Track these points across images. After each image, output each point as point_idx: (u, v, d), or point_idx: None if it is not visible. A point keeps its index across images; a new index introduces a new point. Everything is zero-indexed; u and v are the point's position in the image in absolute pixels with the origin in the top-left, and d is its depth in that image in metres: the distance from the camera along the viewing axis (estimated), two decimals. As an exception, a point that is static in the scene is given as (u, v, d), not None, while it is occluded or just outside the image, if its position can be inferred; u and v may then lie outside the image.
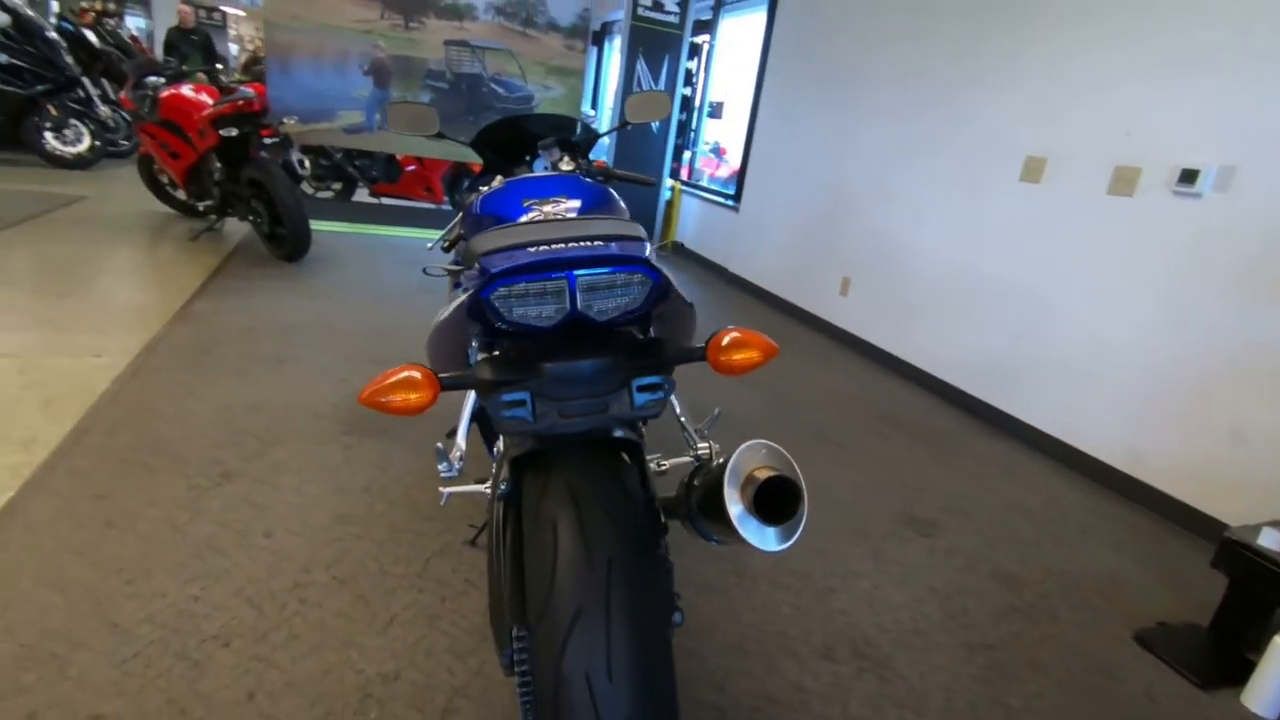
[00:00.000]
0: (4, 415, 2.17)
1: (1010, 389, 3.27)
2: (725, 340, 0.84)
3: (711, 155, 6.81)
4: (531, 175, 1.67)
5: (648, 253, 0.73)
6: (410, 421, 2.48)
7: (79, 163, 6.25)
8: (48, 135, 6.04)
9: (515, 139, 2.01)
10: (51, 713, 1.24)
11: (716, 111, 6.49)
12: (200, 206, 4.66)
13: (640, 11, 5.80)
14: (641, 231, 0.81)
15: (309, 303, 3.68)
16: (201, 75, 4.83)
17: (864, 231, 4.22)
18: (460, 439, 1.24)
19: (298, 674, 1.39)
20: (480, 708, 1.37)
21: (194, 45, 7.92)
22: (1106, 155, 2.85)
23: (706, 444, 1.23)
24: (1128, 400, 2.76)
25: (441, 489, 1.41)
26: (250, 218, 4.33)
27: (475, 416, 1.40)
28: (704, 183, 6.67)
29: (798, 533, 0.83)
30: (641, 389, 0.79)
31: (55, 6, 11.68)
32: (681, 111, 6.67)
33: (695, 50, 6.55)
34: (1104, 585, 2.15)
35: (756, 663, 1.61)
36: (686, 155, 6.86)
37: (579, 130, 2.03)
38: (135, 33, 10.68)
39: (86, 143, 6.27)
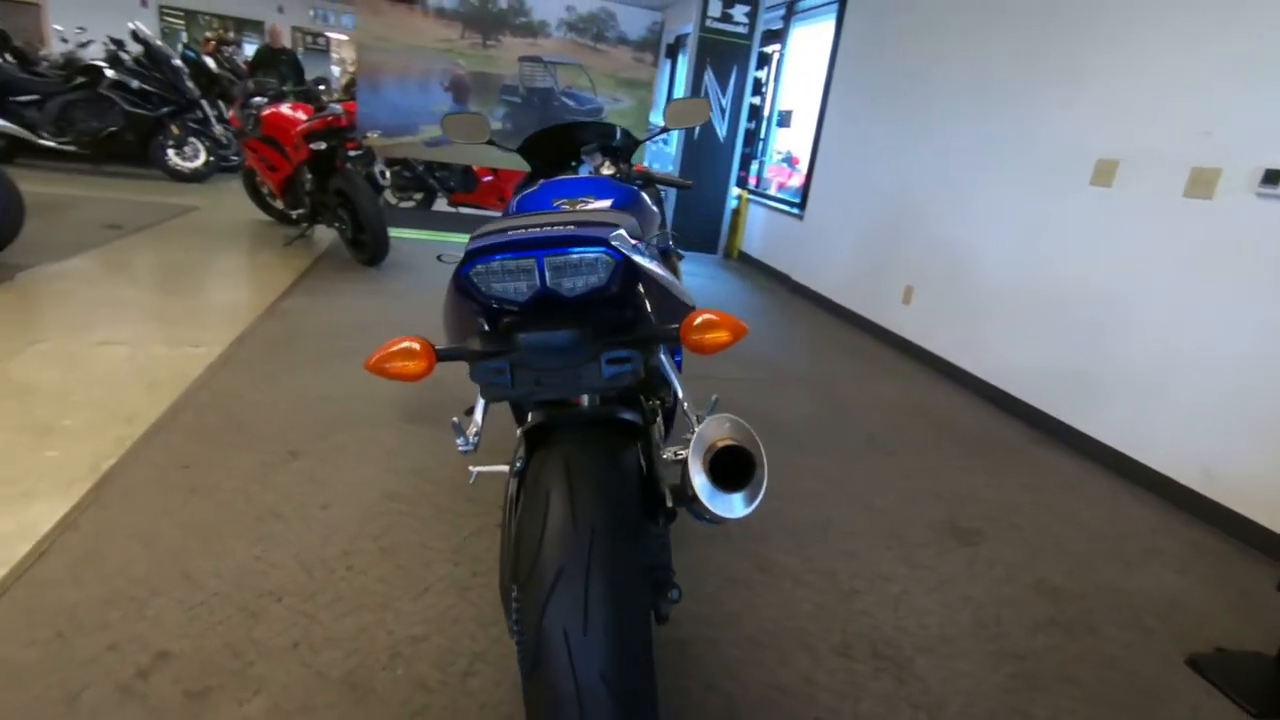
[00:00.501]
0: (113, 394, 2.46)
1: (1076, 401, 3.13)
2: (698, 320, 0.90)
3: (784, 165, 6.80)
4: (566, 177, 1.77)
5: (613, 236, 0.80)
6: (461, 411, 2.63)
7: (195, 177, 6.90)
8: (170, 152, 6.71)
9: (560, 145, 2.13)
10: (129, 646, 1.42)
11: (785, 120, 6.48)
12: (294, 215, 5.07)
13: (709, 23, 5.89)
14: (622, 219, 0.88)
15: (385, 303, 3.94)
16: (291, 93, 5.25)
17: (928, 239, 4.12)
18: (477, 415, 1.35)
19: (337, 630, 1.53)
20: (497, 672, 1.47)
21: (283, 63, 8.47)
22: (1182, 156, 2.70)
23: (705, 428, 1.28)
24: (1203, 415, 2.60)
25: (471, 468, 1.52)
26: (336, 225, 4.68)
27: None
28: (772, 192, 6.66)
29: (759, 497, 0.88)
30: (611, 361, 0.86)
31: (184, 37, 12.93)
32: (750, 120, 6.69)
33: (765, 59, 6.58)
34: (1160, 606, 2.04)
35: (770, 654, 1.64)
36: (755, 165, 6.87)
37: (619, 137, 2.13)
38: (250, 59, 11.64)
39: (202, 158, 6.91)
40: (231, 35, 13.02)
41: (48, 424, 2.21)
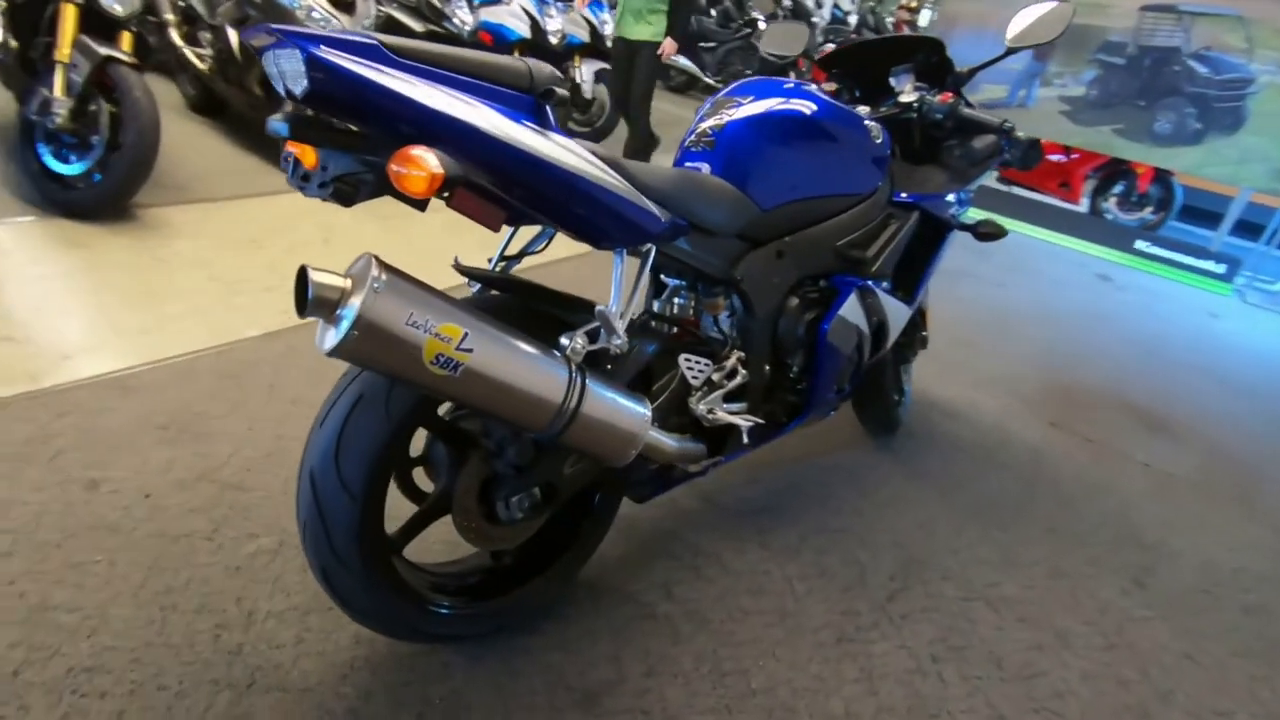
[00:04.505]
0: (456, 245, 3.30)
1: None
2: (404, 150, 0.82)
3: None
4: (761, 78, 1.61)
5: (311, 41, 0.77)
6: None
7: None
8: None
9: (870, 62, 1.91)
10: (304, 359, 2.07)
11: None
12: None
13: None
14: (391, 40, 0.85)
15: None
16: None
17: None
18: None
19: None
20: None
21: None
22: None
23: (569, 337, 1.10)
24: None
25: None
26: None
27: None
28: None
29: (338, 333, 0.83)
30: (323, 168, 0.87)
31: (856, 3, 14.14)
32: None
33: None
34: None
35: (707, 682, 1.28)
36: None
37: (933, 59, 1.75)
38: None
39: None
40: (916, 4, 13.70)
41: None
